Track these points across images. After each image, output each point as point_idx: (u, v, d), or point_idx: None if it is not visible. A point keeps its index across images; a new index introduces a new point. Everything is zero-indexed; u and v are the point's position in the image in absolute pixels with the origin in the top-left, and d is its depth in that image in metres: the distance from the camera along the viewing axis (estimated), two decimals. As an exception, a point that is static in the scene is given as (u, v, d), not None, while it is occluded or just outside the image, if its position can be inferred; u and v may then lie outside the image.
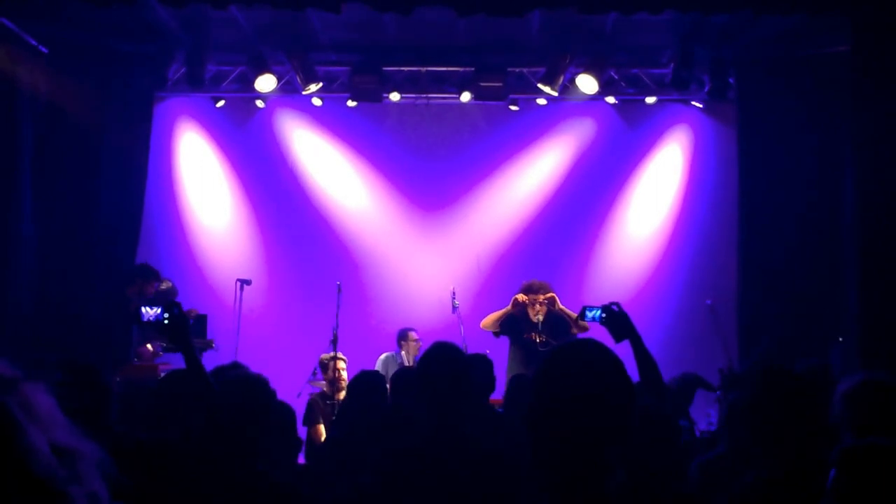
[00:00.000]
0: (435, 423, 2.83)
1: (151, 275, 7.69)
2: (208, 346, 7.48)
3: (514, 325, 7.30)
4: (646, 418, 2.94)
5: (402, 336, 8.38)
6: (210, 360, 7.64)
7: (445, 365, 2.88)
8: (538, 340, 7.16)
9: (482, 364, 4.39)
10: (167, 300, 7.31)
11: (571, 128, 9.58)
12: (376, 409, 3.97)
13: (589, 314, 3.39)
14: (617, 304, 3.31)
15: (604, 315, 3.29)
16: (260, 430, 2.68)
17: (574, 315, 7.23)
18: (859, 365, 6.43)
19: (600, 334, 3.27)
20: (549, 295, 7.22)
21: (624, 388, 1.83)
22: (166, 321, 3.06)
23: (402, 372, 4.51)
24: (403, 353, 8.33)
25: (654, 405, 3.04)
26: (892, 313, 6.35)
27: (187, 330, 3.11)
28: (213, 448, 2.56)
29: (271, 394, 2.74)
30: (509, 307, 7.26)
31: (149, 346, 7.52)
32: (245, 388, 2.75)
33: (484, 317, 7.51)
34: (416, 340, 8.33)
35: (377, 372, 4.59)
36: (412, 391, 3.91)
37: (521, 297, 7.22)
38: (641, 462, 2.79)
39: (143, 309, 3.12)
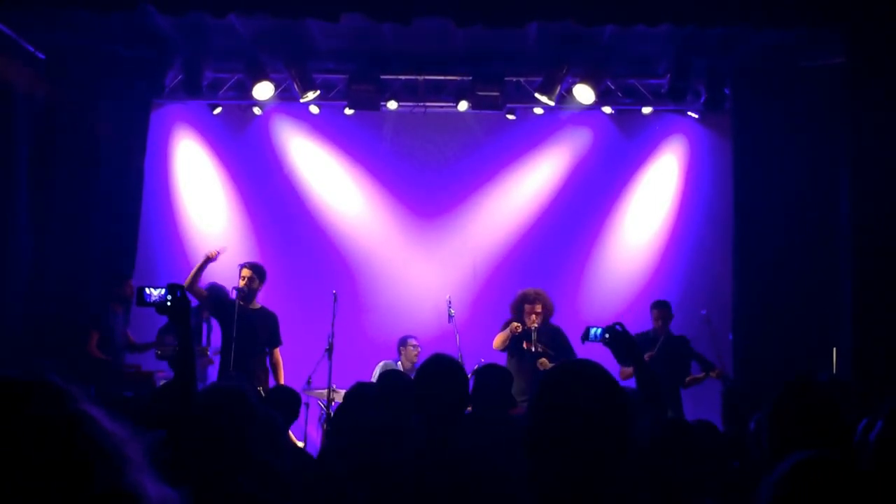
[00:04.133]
0: (428, 436, 2.83)
1: (123, 276, 7.71)
2: (202, 353, 7.47)
3: (514, 338, 7.33)
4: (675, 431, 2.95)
5: (402, 343, 8.42)
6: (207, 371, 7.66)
7: (442, 378, 2.88)
8: (534, 350, 7.17)
9: (497, 375, 4.40)
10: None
11: (568, 137, 9.61)
12: (369, 421, 3.96)
13: (592, 332, 3.36)
14: (620, 324, 3.29)
15: (607, 335, 3.26)
16: (241, 443, 2.65)
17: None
18: (853, 371, 6.48)
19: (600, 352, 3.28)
20: (539, 309, 7.26)
21: (619, 407, 1.85)
22: (169, 303, 3.08)
23: (393, 379, 4.48)
24: (403, 359, 8.35)
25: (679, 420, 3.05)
26: (886, 321, 6.38)
27: (188, 312, 3.15)
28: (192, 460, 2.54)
29: (252, 406, 2.71)
30: (508, 330, 7.30)
31: (158, 352, 7.50)
32: (224, 399, 2.73)
33: (481, 329, 7.54)
34: (414, 347, 8.35)
35: (371, 384, 4.58)
36: (406, 400, 3.91)
37: (515, 326, 7.24)
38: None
39: (146, 290, 3.14)
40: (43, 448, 1.03)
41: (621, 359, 3.23)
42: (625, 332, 3.25)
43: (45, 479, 1.02)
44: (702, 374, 7.56)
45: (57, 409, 1.07)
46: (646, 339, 7.60)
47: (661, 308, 7.76)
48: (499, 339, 7.40)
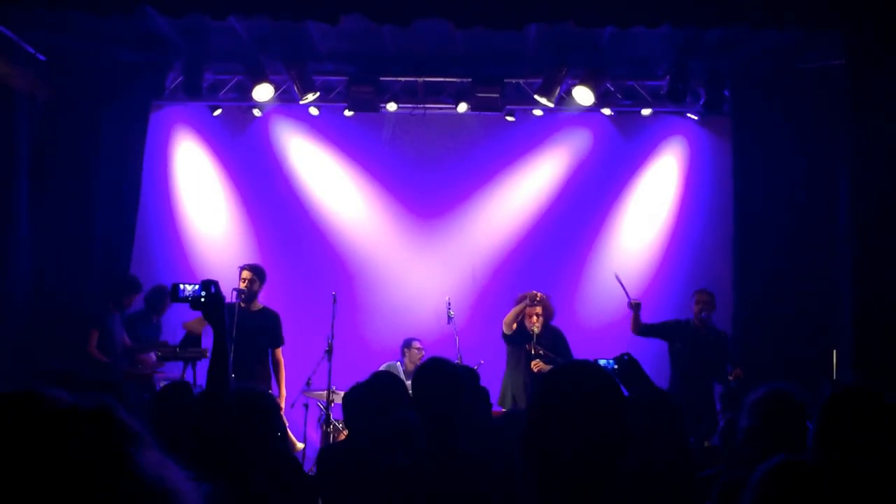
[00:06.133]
0: (430, 439, 2.84)
1: (132, 286, 7.72)
2: (202, 355, 7.47)
3: (519, 334, 7.33)
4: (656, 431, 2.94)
5: (406, 344, 8.41)
6: (204, 369, 7.64)
7: (440, 381, 2.89)
8: (535, 353, 7.18)
9: (470, 379, 4.40)
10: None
11: (567, 139, 9.61)
12: (371, 423, 3.96)
13: (601, 363, 3.35)
14: (628, 353, 3.30)
15: (616, 367, 3.27)
16: (263, 443, 2.66)
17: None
18: (854, 373, 6.47)
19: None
20: (539, 311, 7.27)
21: (617, 408, 1.85)
22: (203, 299, 3.07)
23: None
24: (406, 361, 8.34)
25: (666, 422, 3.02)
26: (887, 322, 6.38)
27: (223, 308, 3.13)
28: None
29: (278, 410, 2.73)
30: (526, 303, 7.28)
31: (153, 354, 7.53)
32: (255, 402, 2.74)
33: (481, 330, 7.53)
34: (418, 349, 8.35)
35: (363, 385, 4.58)
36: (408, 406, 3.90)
37: (535, 363, 7.17)
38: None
39: (180, 286, 3.14)
40: (86, 491, 0.96)
41: (632, 388, 3.23)
42: (632, 361, 3.25)
43: None
44: (731, 375, 7.56)
45: (109, 447, 0.99)
46: (683, 327, 7.61)
47: (701, 296, 7.66)
48: (510, 316, 7.36)
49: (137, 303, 7.87)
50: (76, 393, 1.07)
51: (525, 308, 7.29)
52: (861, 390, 2.62)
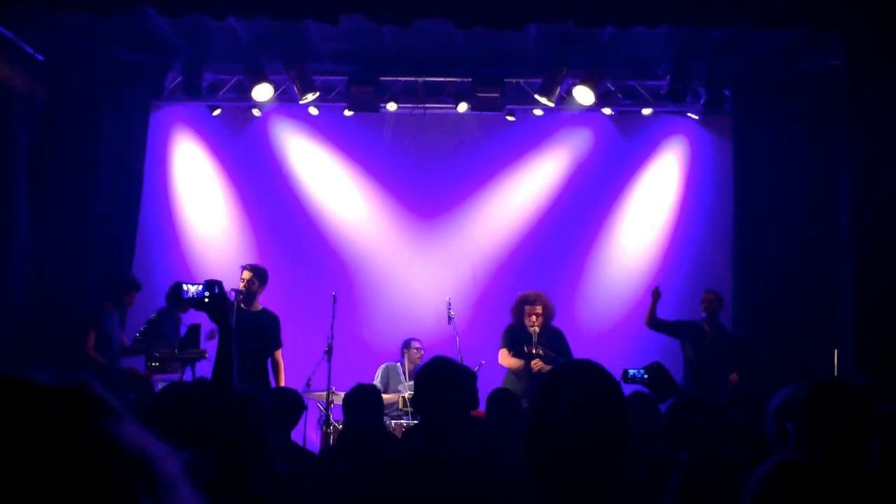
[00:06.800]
0: (429, 437, 2.83)
1: (131, 286, 7.71)
2: (201, 356, 7.46)
3: (516, 337, 7.31)
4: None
5: (406, 345, 8.39)
6: (203, 370, 7.65)
7: (442, 381, 2.88)
8: (534, 352, 7.17)
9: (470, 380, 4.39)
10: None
11: (568, 138, 9.60)
12: (370, 423, 3.96)
13: (631, 373, 3.32)
14: (658, 362, 3.28)
15: (646, 376, 3.25)
16: (258, 444, 2.66)
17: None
18: (855, 373, 6.47)
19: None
20: (538, 311, 7.25)
21: (619, 407, 1.85)
22: (207, 299, 3.04)
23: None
24: (406, 361, 8.33)
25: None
26: (886, 322, 6.37)
27: (227, 309, 3.09)
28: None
29: (268, 411, 2.72)
30: (530, 366, 7.18)
31: (156, 354, 7.51)
32: (247, 404, 2.74)
33: (481, 330, 7.51)
34: (418, 349, 8.33)
35: (372, 385, 4.59)
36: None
37: (535, 362, 7.13)
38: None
39: (183, 286, 3.09)
40: (68, 469, 0.95)
41: (662, 399, 3.21)
42: (662, 370, 3.24)
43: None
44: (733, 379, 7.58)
45: (86, 421, 0.99)
46: (692, 328, 7.71)
47: (704, 295, 7.79)
48: (511, 364, 7.31)
49: (157, 302, 7.85)
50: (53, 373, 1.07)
51: (534, 371, 7.21)
52: (837, 385, 2.60)
